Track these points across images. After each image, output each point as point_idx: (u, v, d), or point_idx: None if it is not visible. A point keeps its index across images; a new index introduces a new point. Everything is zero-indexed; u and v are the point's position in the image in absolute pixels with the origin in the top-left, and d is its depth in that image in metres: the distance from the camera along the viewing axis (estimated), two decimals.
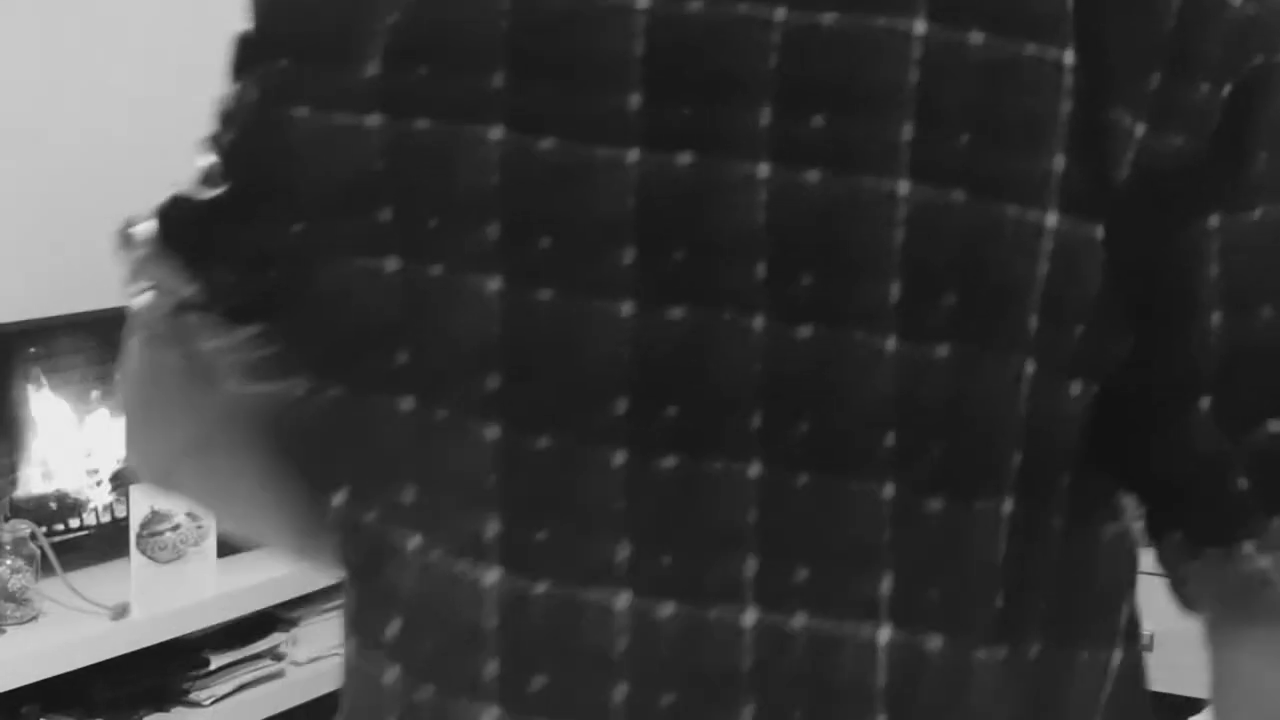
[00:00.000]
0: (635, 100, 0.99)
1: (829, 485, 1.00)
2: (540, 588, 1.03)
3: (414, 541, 1.07)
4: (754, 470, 1.00)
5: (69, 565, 3.45)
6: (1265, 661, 1.11)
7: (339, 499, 1.11)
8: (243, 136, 1.11)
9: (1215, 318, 1.00)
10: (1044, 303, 0.98)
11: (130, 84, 3.99)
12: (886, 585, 1.00)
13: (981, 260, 0.97)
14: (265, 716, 3.71)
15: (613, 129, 1.00)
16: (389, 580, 1.09)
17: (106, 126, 3.93)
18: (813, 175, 0.97)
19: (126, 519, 3.59)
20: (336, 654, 3.90)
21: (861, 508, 1.00)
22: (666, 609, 1.01)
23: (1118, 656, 1.16)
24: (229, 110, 1.14)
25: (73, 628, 3.33)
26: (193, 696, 3.60)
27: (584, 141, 1.00)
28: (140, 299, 1.17)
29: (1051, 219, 0.97)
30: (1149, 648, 3.76)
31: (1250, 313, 1.01)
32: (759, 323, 0.99)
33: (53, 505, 3.60)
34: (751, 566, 1.00)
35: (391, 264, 1.04)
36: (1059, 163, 0.97)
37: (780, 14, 0.97)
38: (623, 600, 1.01)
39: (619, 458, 1.01)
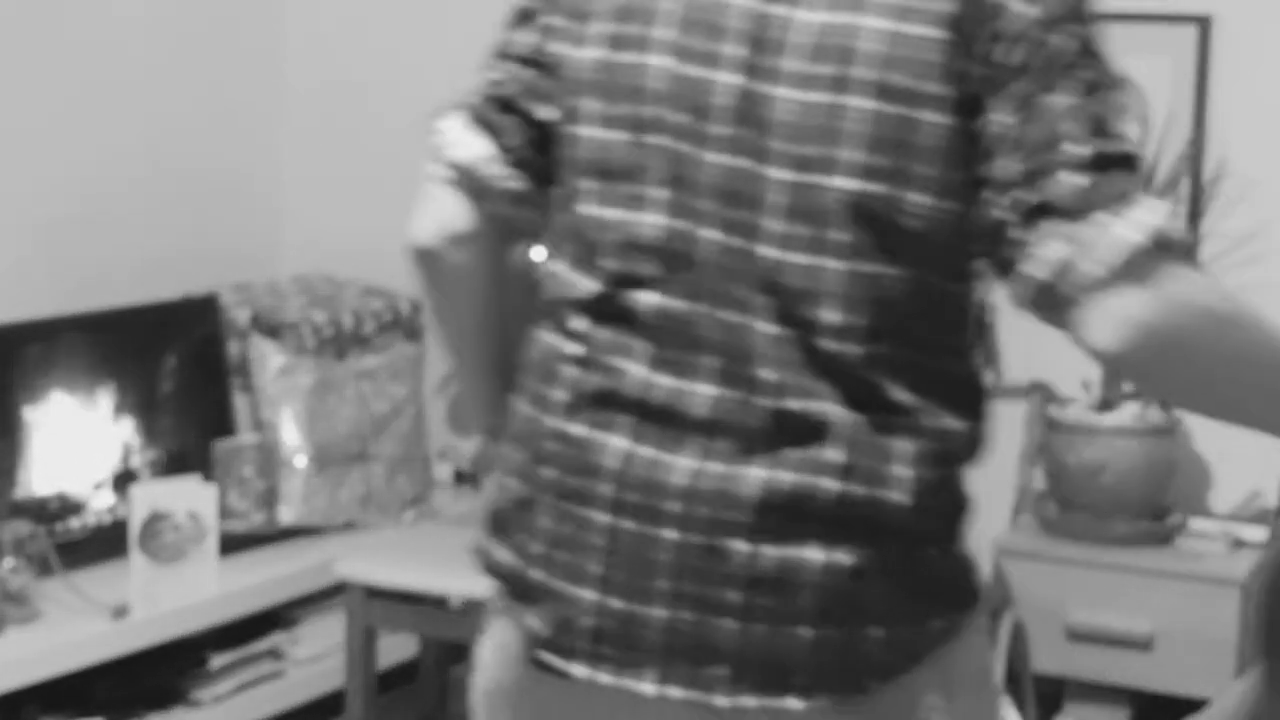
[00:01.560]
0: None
1: None
2: None
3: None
4: None
5: (69, 565, 3.46)
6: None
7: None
8: (525, 60, 1.95)
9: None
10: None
11: (130, 86, 3.99)
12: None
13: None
14: (265, 716, 3.72)
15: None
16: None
17: (108, 128, 3.94)
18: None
19: (126, 519, 3.59)
20: (337, 653, 3.90)
21: None
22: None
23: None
24: (510, 45, 1.97)
25: (73, 628, 3.33)
26: (193, 696, 3.60)
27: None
28: (442, 153, 1.98)
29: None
30: (1149, 648, 3.74)
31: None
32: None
33: (53, 505, 3.60)
34: None
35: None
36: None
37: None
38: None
39: None
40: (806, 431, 1.78)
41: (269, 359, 3.97)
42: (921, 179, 1.76)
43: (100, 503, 3.71)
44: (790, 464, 1.78)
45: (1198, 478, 4.12)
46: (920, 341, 1.81)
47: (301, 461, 3.92)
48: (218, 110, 4.24)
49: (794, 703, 1.80)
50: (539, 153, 1.94)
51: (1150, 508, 3.94)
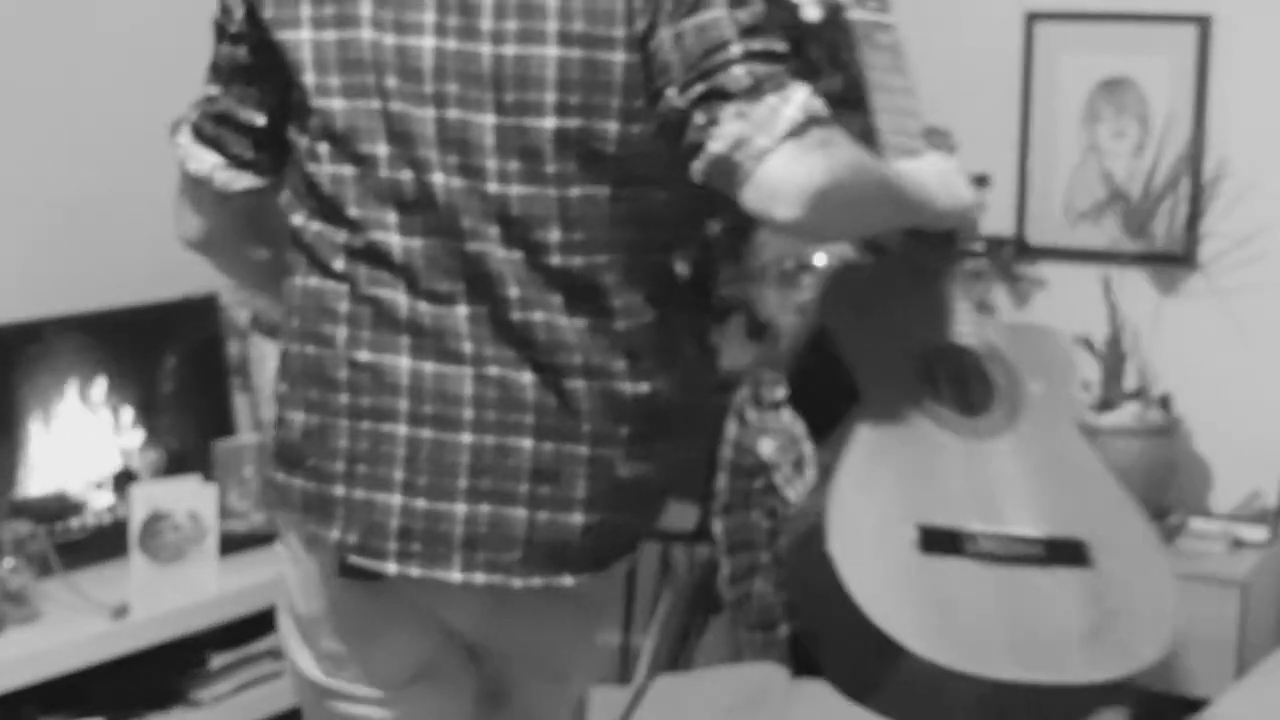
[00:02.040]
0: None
1: None
2: None
3: None
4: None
5: (69, 565, 3.45)
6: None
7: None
8: (232, 72, 2.28)
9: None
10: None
11: (130, 85, 3.99)
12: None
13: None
14: (265, 716, 3.71)
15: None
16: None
17: (107, 127, 3.94)
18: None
19: (126, 519, 3.59)
20: None
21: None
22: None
23: None
24: (218, 59, 2.28)
25: (73, 628, 3.33)
26: (193, 696, 3.60)
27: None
28: (183, 165, 2.36)
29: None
30: None
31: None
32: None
33: (53, 505, 3.60)
34: None
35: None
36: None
37: None
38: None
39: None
40: (550, 340, 2.08)
41: (269, 359, 3.97)
42: (613, 110, 2.05)
43: (100, 503, 3.71)
44: (548, 369, 2.09)
45: (1198, 478, 4.13)
46: (629, 246, 2.11)
47: None
48: None
49: (568, 579, 2.13)
50: (262, 149, 2.25)
51: (1150, 508, 3.94)
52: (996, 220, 4.26)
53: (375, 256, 2.11)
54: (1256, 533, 3.93)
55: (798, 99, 2.01)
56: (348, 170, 2.12)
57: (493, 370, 2.09)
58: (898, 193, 2.18)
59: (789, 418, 3.49)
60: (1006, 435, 2.34)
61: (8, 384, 3.56)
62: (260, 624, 3.72)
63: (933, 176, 2.33)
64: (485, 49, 2.05)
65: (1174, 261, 4.12)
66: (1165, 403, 3.99)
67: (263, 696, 3.71)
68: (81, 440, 3.69)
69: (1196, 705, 3.42)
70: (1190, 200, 4.08)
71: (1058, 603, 2.22)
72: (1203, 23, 4.04)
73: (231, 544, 3.72)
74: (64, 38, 3.84)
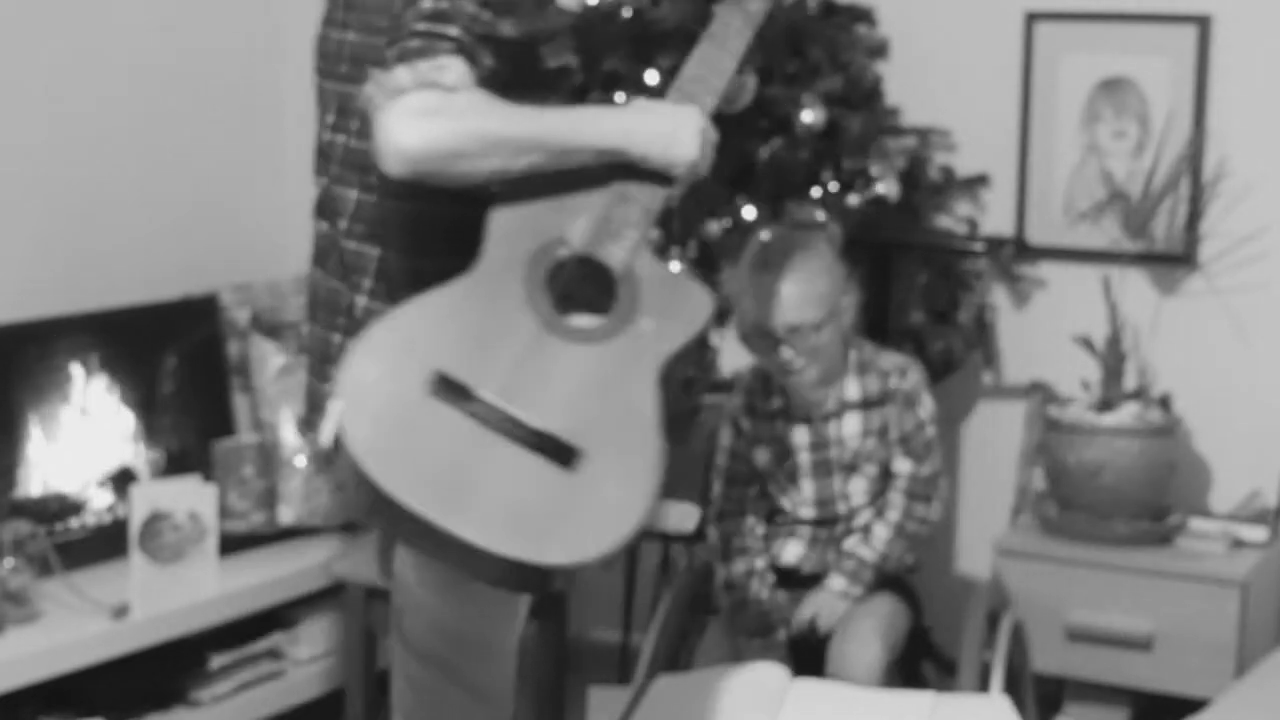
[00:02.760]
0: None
1: None
2: None
3: None
4: None
5: (69, 565, 3.46)
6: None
7: None
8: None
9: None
10: None
11: (132, 87, 3.99)
12: None
13: None
14: (265, 716, 3.72)
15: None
16: None
17: (107, 128, 3.94)
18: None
19: (126, 519, 3.59)
20: (337, 653, 3.90)
21: None
22: None
23: None
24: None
25: (73, 628, 3.33)
26: (193, 696, 3.60)
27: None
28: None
29: None
30: (1149, 648, 3.75)
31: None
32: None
33: (53, 505, 3.60)
34: None
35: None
36: None
37: None
38: None
39: None
40: (342, 209, 2.65)
41: (269, 359, 3.97)
42: None
43: (100, 503, 3.71)
44: (339, 232, 2.65)
45: (1198, 478, 4.12)
46: (378, 188, 2.61)
47: (301, 462, 3.92)
48: (218, 110, 4.24)
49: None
50: None
51: (1150, 508, 3.94)
52: (996, 220, 4.26)
53: (316, 202, 2.71)
54: (1256, 533, 3.93)
55: (421, 69, 2.42)
56: (318, 128, 2.74)
57: (323, 227, 2.67)
58: (542, 145, 2.52)
59: (782, 425, 3.49)
60: (588, 347, 2.50)
61: (8, 384, 3.56)
62: (260, 624, 3.73)
63: (660, 129, 2.59)
64: (334, 34, 2.65)
65: (1174, 261, 4.12)
66: (1165, 403, 3.99)
67: (263, 696, 3.71)
68: (81, 440, 3.69)
69: (1196, 705, 3.42)
70: (1190, 200, 4.08)
71: (516, 478, 2.39)
72: (1203, 23, 4.04)
73: (231, 544, 3.72)
74: (65, 39, 3.85)
